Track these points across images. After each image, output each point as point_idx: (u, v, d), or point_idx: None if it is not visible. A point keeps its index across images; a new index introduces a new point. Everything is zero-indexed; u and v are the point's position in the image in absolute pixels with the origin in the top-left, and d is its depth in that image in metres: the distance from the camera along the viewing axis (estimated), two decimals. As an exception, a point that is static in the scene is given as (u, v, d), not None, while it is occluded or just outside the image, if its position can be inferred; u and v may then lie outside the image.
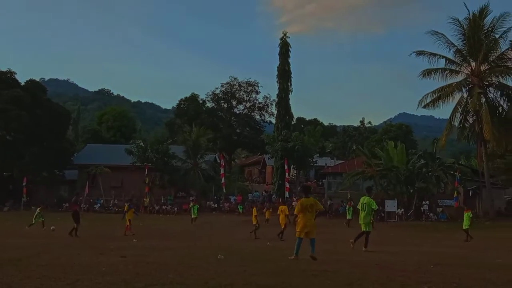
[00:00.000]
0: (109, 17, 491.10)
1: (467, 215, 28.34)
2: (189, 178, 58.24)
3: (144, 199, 53.33)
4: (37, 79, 70.41)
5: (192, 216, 40.64)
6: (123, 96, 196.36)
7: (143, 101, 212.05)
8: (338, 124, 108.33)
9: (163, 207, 53.84)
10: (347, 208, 42.47)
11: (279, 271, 11.40)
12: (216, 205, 55.69)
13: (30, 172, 55.83)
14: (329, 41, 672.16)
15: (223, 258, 14.17)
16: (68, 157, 62.22)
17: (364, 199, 18.09)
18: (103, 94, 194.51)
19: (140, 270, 11.19)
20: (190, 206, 44.11)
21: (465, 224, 28.02)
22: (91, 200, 56.06)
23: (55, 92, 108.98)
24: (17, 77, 61.66)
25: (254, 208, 29.41)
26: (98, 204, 55.55)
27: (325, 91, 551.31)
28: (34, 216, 31.67)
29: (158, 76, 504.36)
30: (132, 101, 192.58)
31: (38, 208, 32.83)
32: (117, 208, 53.35)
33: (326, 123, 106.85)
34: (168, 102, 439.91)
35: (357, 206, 18.81)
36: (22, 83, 61.29)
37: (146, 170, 54.64)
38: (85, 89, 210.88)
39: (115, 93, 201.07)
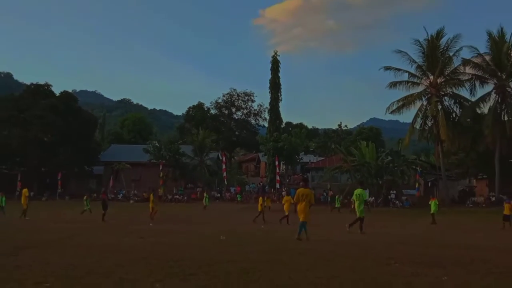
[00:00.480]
0: (131, 37, 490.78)
1: (434, 202, 28.19)
2: (196, 173, 58.51)
3: (159, 190, 53.24)
4: (70, 91, 70.09)
5: (204, 204, 41.52)
6: (141, 104, 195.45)
7: (158, 109, 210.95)
8: (320, 127, 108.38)
9: (175, 196, 53.82)
10: (336, 198, 42.85)
11: (271, 250, 11.41)
12: (219, 195, 55.66)
13: (63, 168, 55.82)
14: (312, 58, 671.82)
15: (225, 239, 14.16)
16: (96, 155, 62.02)
17: (358, 191, 18.13)
18: (124, 102, 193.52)
19: (156, 249, 11.19)
20: (204, 195, 44.20)
21: (434, 209, 27.86)
22: (115, 191, 56.01)
23: (84, 101, 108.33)
24: (53, 89, 61.69)
25: (261, 197, 29.14)
26: (121, 194, 55.47)
27: (309, 99, 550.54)
28: (85, 204, 31.28)
29: (171, 87, 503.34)
30: (149, 108, 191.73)
31: (85, 196, 32.60)
32: (137, 197, 53.35)
33: (310, 126, 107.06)
34: (179, 109, 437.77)
35: (352, 197, 18.81)
36: (57, 94, 61.22)
37: (161, 166, 54.77)
38: (109, 99, 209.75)
39: (134, 102, 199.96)
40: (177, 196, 53.92)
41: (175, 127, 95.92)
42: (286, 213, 25.11)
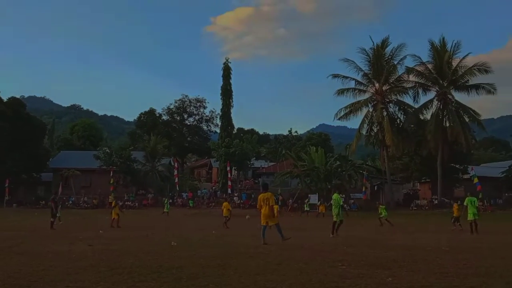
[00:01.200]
0: (81, 43, 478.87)
1: (382, 207, 29.07)
2: (148, 179, 57.73)
3: (110, 196, 52.16)
4: (18, 96, 67.87)
5: (165, 210, 41.19)
6: (92, 110, 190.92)
7: (109, 115, 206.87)
8: (271, 133, 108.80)
9: (126, 203, 52.79)
10: (306, 202, 45.00)
11: (222, 254, 11.34)
12: (170, 201, 54.89)
13: (11, 174, 53.97)
14: (264, 65, 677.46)
15: (176, 245, 14.00)
16: (44, 161, 60.11)
17: (334, 196, 18.44)
18: (74, 108, 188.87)
19: (105, 257, 10.92)
20: (165, 202, 43.88)
21: (383, 214, 28.60)
22: (64, 198, 54.46)
23: (33, 107, 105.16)
24: (1, 95, 59.42)
25: (226, 202, 29.25)
26: (70, 201, 54.01)
27: (261, 106, 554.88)
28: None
29: (122, 93, 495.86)
30: (100, 114, 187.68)
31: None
32: (86, 204, 52.13)
33: (261, 132, 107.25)
34: (130, 115, 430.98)
35: (331, 201, 19.08)
36: (5, 100, 59.06)
37: (111, 172, 53.70)
38: (59, 105, 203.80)
39: (85, 108, 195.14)
40: (128, 203, 52.93)
41: (127, 133, 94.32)
42: (228, 217, 25.66)
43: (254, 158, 69.55)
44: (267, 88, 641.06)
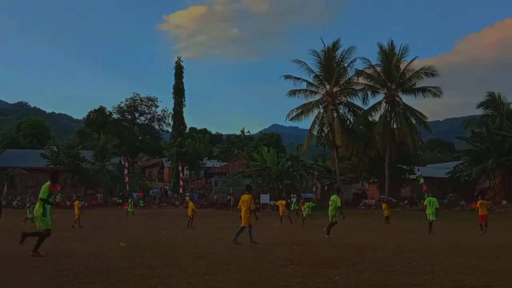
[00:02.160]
0: (28, 38, 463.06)
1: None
2: (97, 178, 56.52)
3: (57, 196, 50.69)
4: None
5: (129, 210, 40.25)
6: (39, 108, 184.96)
7: (57, 112, 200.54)
8: (223, 133, 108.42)
9: (74, 202, 51.46)
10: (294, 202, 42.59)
11: (171, 255, 11.23)
12: (121, 201, 54.06)
13: (-48, 174, 51.65)
14: (217, 65, 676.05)
15: (125, 246, 13.76)
16: (-12, 160, 57.97)
17: (333, 197, 18.28)
18: (21, 106, 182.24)
19: (51, 258, 10.58)
20: (129, 201, 42.77)
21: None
22: (10, 197, 52.63)
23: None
24: None
25: (191, 202, 29.28)
26: (16, 201, 52.18)
27: (214, 105, 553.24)
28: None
29: (71, 91, 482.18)
30: (48, 112, 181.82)
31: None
32: (34, 205, 50.50)
33: (214, 132, 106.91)
34: (79, 113, 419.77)
35: (329, 202, 18.69)
36: None
37: (59, 171, 52.16)
38: (4, 102, 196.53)
39: (32, 105, 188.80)
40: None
41: (75, 132, 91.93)
42: (191, 216, 25.47)
43: (206, 157, 69.33)
44: (220, 88, 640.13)
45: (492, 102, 49.31)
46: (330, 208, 18.06)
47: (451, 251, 12.78)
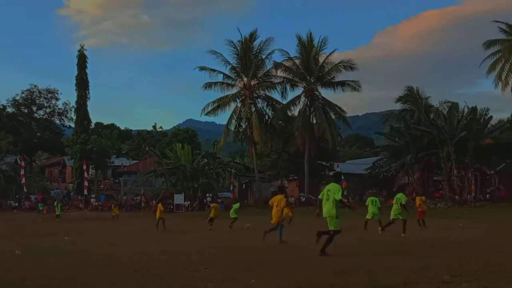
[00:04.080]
0: None
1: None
2: (-11, 180, 53.37)
3: None
4: None
5: (57, 213, 38.67)
6: None
7: None
8: (133, 128, 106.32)
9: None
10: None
11: (74, 263, 10.83)
12: (16, 204, 51.52)
13: None
14: (125, 54, 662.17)
15: (20, 254, 13.09)
16: None
17: (398, 195, 18.59)
18: None
19: None
20: (55, 204, 40.75)
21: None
22: None
23: None
24: None
25: (160, 204, 28.38)
26: None
27: (122, 98, 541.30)
28: None
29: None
30: None
31: None
32: None
33: (122, 127, 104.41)
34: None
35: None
36: None
37: None
38: None
39: None
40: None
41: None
42: (158, 218, 25.59)
43: (114, 155, 67.71)
44: (129, 80, 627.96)
45: (411, 96, 51.69)
46: (394, 207, 18.52)
47: (369, 250, 13.22)
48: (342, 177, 46.15)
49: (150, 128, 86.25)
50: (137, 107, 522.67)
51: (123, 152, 77.46)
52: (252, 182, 53.98)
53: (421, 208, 22.60)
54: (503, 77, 44.16)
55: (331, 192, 11.35)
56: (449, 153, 42.78)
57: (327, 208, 11.30)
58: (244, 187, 56.87)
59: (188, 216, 41.21)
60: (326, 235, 11.40)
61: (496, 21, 44.35)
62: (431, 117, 48.65)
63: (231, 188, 50.13)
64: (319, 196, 12.00)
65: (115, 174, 66.92)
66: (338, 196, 11.14)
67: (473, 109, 45.00)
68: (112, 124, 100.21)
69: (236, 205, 28.16)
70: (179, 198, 47.78)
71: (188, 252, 12.79)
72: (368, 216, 21.40)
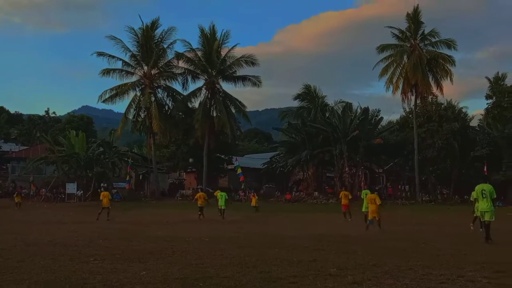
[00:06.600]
0: None
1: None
2: None
3: None
4: None
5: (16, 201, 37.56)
6: None
7: None
8: (24, 113, 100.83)
9: None
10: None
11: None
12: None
13: None
14: (17, 34, 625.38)
15: None
16: None
17: (484, 186, 15.05)
18: None
19: None
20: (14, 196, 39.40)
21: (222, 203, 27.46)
22: None
23: None
24: None
25: (107, 192, 26.84)
26: None
27: (13, 80, 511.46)
28: None
29: None
30: None
31: None
32: None
33: (12, 111, 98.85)
34: None
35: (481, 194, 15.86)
36: None
37: None
38: None
39: None
40: None
41: None
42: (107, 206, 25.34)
43: (2, 140, 64.08)
44: (22, 61, 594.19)
45: (308, 94, 53.51)
46: (484, 199, 14.45)
47: (263, 243, 13.58)
48: (240, 171, 46.54)
49: (42, 113, 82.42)
50: (29, 90, 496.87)
51: (12, 137, 73.51)
52: (149, 173, 53.26)
53: (344, 202, 24.15)
54: (394, 81, 46.57)
55: (487, 191, 13.73)
56: (342, 151, 44.75)
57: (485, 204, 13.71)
58: (141, 177, 56.00)
59: (81, 206, 39.87)
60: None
61: (390, 27, 46.64)
62: (327, 115, 50.64)
63: (127, 179, 49.20)
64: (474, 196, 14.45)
65: (2, 160, 63.43)
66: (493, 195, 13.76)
67: (366, 110, 47.51)
68: (1, 107, 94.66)
69: (222, 194, 27.66)
70: (71, 187, 46.19)
71: (77, 243, 12.49)
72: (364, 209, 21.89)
